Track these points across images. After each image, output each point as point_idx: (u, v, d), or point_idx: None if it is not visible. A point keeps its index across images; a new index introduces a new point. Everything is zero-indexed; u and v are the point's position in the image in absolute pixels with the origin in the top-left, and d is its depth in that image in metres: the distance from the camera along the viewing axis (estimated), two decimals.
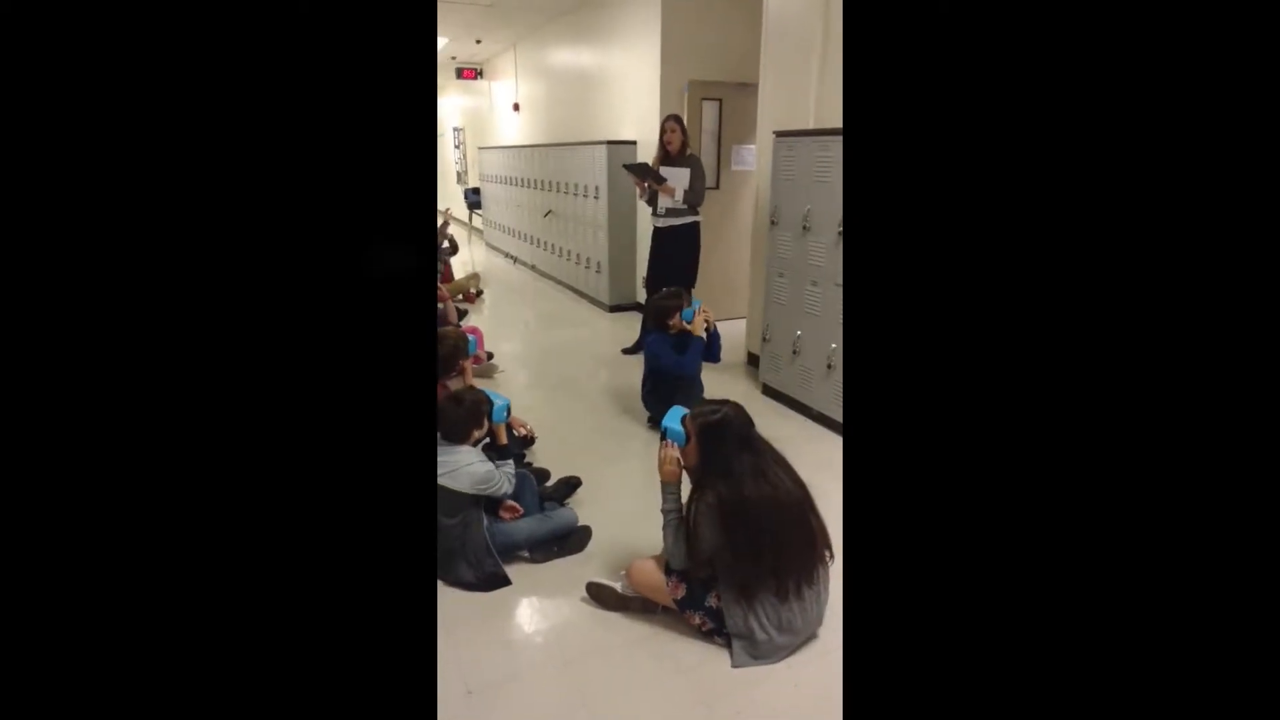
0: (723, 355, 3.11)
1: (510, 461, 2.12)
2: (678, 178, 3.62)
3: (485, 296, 5.98)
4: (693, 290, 3.80)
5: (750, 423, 1.75)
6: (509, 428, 2.62)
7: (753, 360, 3.92)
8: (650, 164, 3.74)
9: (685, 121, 4.50)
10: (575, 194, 5.61)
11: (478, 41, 7.37)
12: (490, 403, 2.13)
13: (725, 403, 1.77)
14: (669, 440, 1.76)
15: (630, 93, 5.07)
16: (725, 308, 4.72)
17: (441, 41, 7.41)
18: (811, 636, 1.74)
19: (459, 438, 2.02)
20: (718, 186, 4.81)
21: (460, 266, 6.21)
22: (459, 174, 11.59)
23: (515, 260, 7.63)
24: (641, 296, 4.68)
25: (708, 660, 1.69)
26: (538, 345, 4.73)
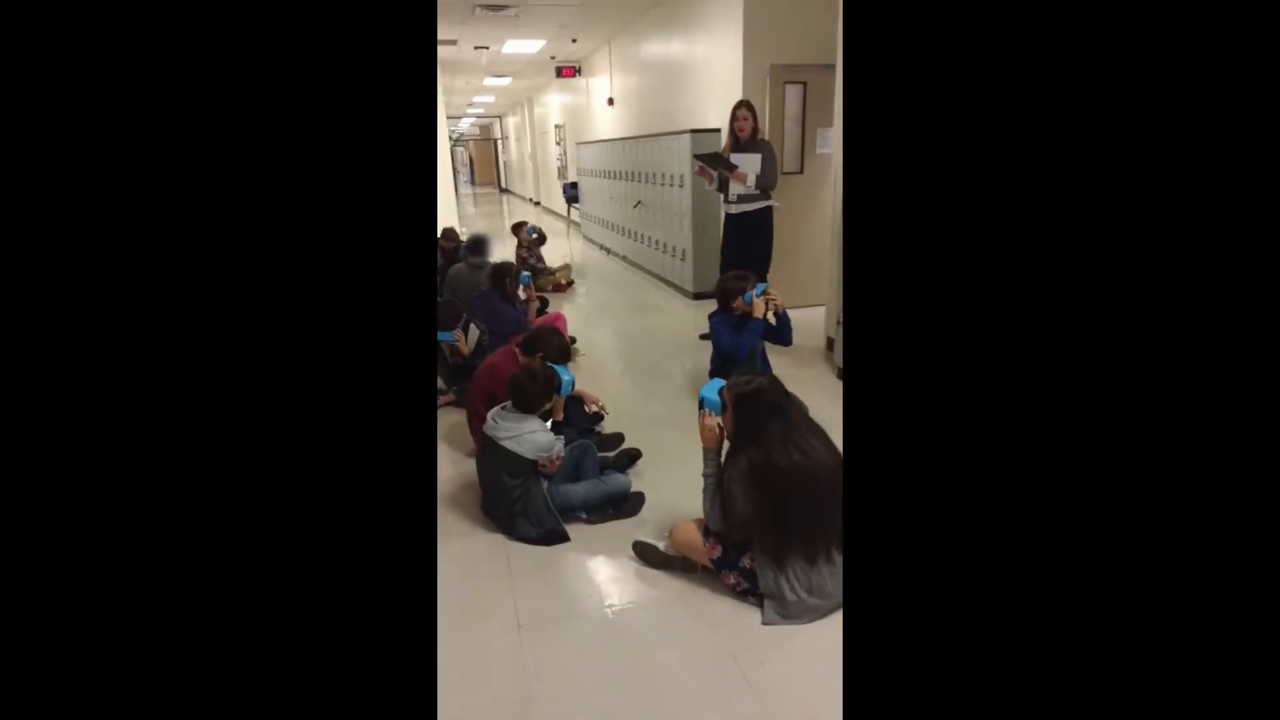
0: (805, 340, 3.13)
1: (563, 438, 2.29)
2: (748, 164, 3.66)
3: (577, 286, 6.26)
4: (767, 275, 3.84)
5: (784, 393, 1.82)
6: (580, 402, 2.82)
7: (832, 345, 3.90)
8: (720, 151, 3.81)
9: (768, 106, 4.55)
10: (662, 183, 5.75)
11: (574, 40, 7.65)
12: (559, 378, 2.32)
13: (758, 374, 1.84)
14: (706, 410, 1.86)
15: (714, 80, 5.13)
16: (808, 293, 4.70)
17: (539, 43, 7.76)
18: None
19: (531, 408, 2.22)
20: (801, 171, 4.78)
21: (559, 259, 6.53)
22: (559, 169, 12.03)
23: (609, 251, 7.88)
24: None
25: (740, 617, 1.78)
26: (621, 330, 4.92)
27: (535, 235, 6.13)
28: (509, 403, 2.24)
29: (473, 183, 26.57)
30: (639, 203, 6.42)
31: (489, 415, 2.24)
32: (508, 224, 7.33)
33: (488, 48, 7.96)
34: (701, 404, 1.88)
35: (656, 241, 6.08)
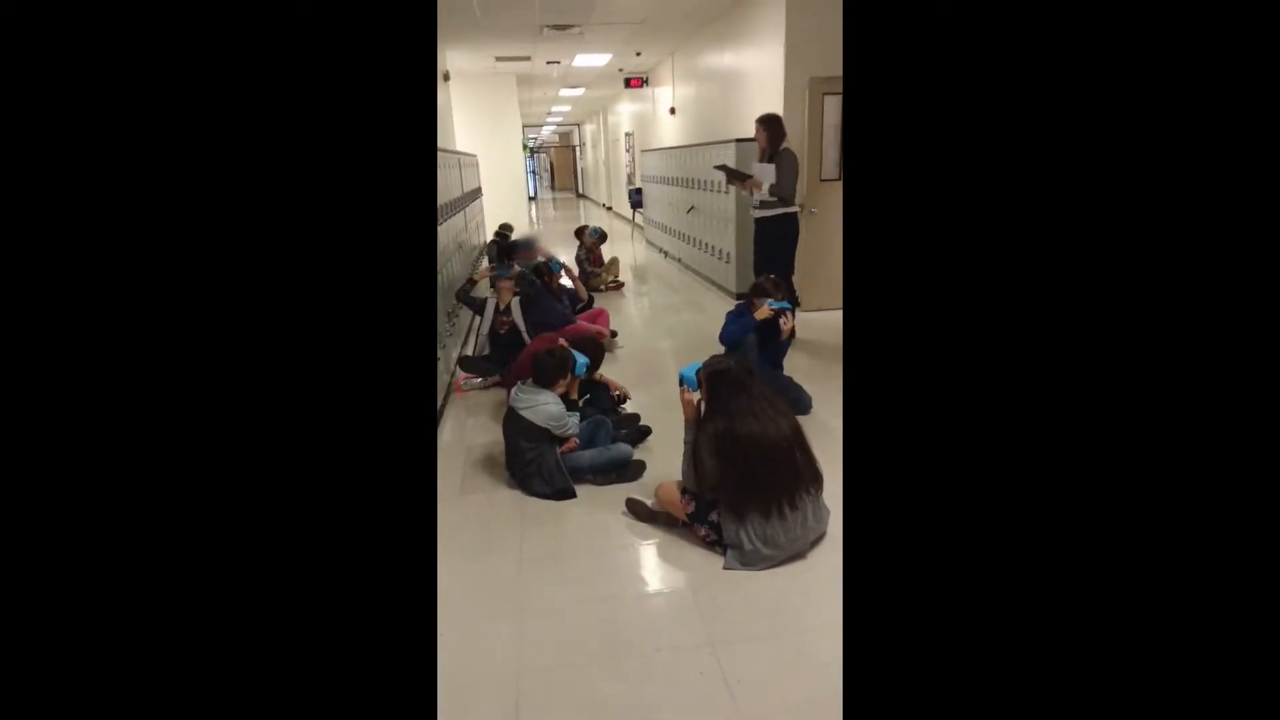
0: (830, 338, 3.53)
1: (578, 413, 2.68)
2: (765, 173, 4.03)
3: (633, 286, 6.65)
4: (791, 276, 4.10)
5: (750, 373, 2.12)
6: (606, 387, 3.18)
7: None
8: (758, 159, 4.17)
9: (806, 116, 4.80)
10: (711, 190, 6.05)
11: (637, 54, 8.06)
12: (575, 360, 2.70)
13: (729, 358, 2.15)
14: (685, 387, 2.19)
15: (760, 92, 5.40)
16: (839, 295, 4.89)
17: (606, 57, 8.21)
18: (798, 555, 2.07)
19: (547, 383, 2.61)
20: (839, 178, 4.98)
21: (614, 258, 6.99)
22: (629, 175, 12.48)
23: (665, 254, 8.23)
24: None
25: (705, 563, 2.09)
26: (662, 325, 5.28)
27: (597, 236, 6.55)
28: (531, 378, 2.63)
29: (553, 188, 27.58)
30: (692, 208, 6.73)
31: (513, 389, 2.64)
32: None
33: (559, 62, 8.49)
34: (681, 382, 2.21)
35: (705, 244, 6.38)
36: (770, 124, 4.05)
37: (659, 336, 5.00)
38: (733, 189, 5.42)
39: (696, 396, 2.19)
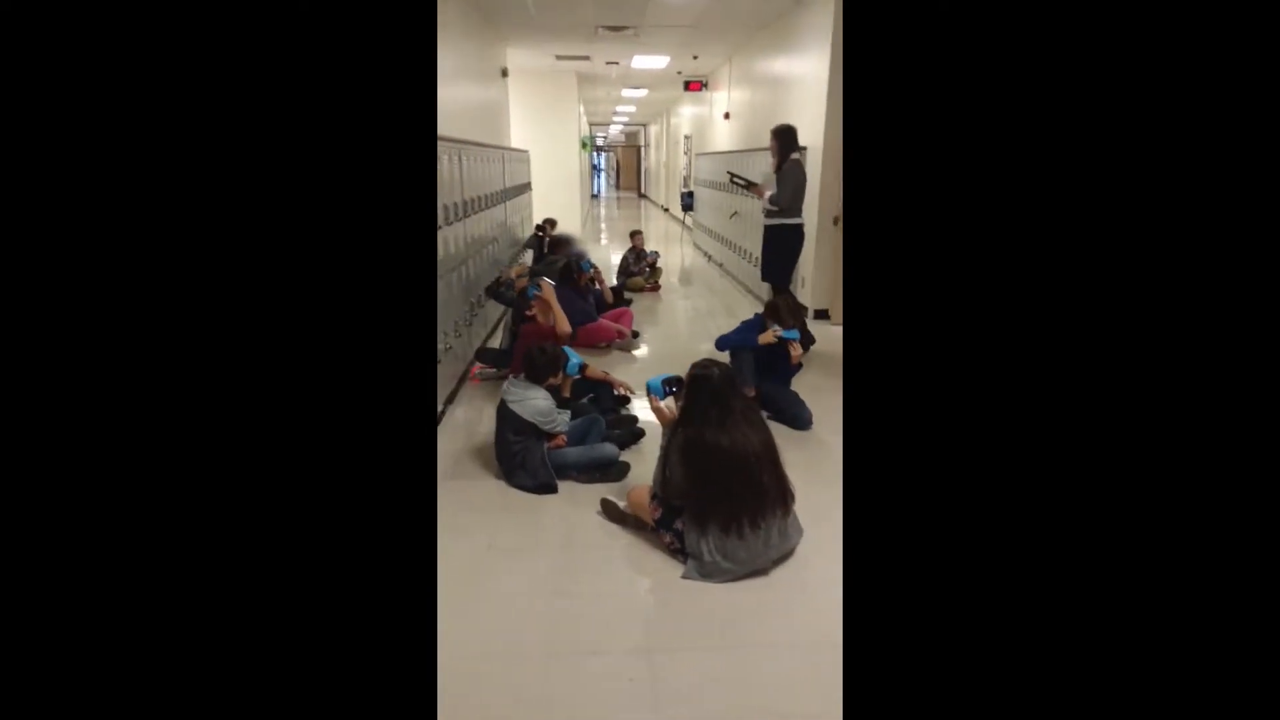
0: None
1: (568, 411, 2.70)
2: (772, 183, 4.12)
3: (673, 288, 6.67)
4: (788, 283, 4.33)
5: (730, 384, 2.10)
6: (611, 386, 3.20)
7: None
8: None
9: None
10: (750, 196, 5.98)
11: (695, 57, 8.05)
12: (567, 358, 2.71)
13: (716, 364, 2.14)
14: (652, 395, 2.21)
15: (808, 99, 5.31)
16: None
17: (664, 59, 8.23)
18: (759, 571, 2.03)
19: (538, 379, 2.64)
20: None
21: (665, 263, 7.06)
22: (684, 179, 12.46)
23: (709, 258, 8.19)
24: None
25: (666, 569, 2.08)
26: (688, 328, 5.27)
27: (654, 255, 6.61)
28: (524, 373, 2.67)
29: (617, 187, 27.78)
30: (735, 213, 6.68)
31: (505, 382, 2.69)
32: (643, 229, 8.09)
33: (617, 63, 8.56)
34: (648, 390, 2.23)
35: (744, 250, 6.32)
36: (781, 135, 4.10)
37: (686, 340, 4.98)
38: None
39: (665, 404, 2.19)
